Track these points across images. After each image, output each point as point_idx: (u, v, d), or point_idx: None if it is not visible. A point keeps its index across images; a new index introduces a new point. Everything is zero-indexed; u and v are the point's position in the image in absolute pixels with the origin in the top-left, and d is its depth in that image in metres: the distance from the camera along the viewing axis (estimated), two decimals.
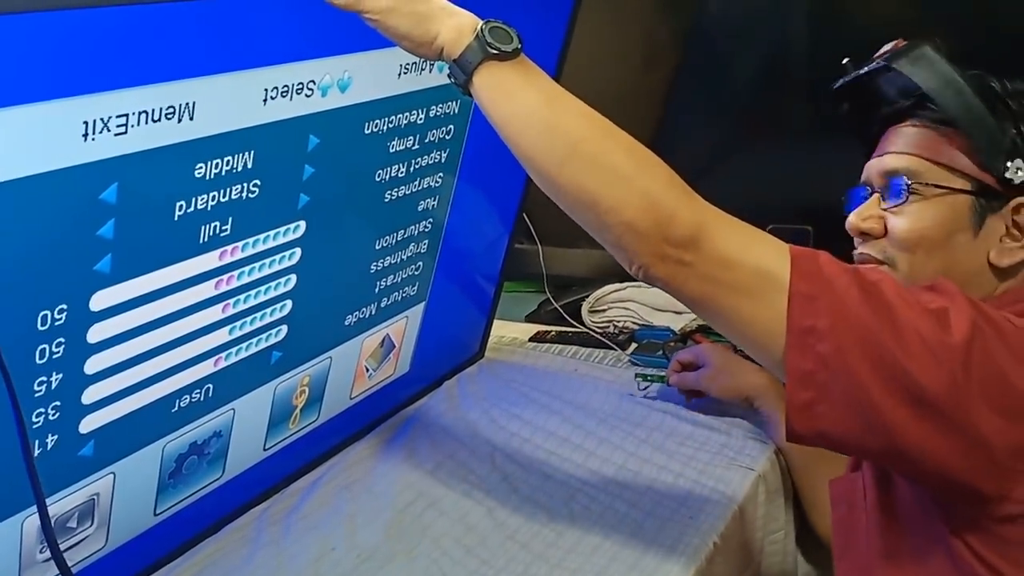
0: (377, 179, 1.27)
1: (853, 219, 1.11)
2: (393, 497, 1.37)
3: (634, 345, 1.79)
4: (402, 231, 1.37)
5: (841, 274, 0.93)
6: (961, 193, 1.04)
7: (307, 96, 1.08)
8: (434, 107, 1.30)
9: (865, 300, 0.91)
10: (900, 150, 1.09)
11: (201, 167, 1.00)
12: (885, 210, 1.09)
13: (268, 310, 1.19)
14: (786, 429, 0.96)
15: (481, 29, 0.96)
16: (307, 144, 1.12)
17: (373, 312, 1.40)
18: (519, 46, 0.97)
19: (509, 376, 1.70)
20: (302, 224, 1.18)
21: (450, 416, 1.59)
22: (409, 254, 1.41)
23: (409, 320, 1.50)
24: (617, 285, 1.87)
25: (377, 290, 1.39)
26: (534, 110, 0.96)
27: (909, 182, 1.06)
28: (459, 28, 0.96)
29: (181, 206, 1.00)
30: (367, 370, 1.46)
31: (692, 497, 1.38)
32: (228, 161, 1.03)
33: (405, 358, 1.54)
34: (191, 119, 0.95)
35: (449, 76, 0.99)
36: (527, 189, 1.66)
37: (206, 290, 1.09)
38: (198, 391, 1.15)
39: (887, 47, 1.10)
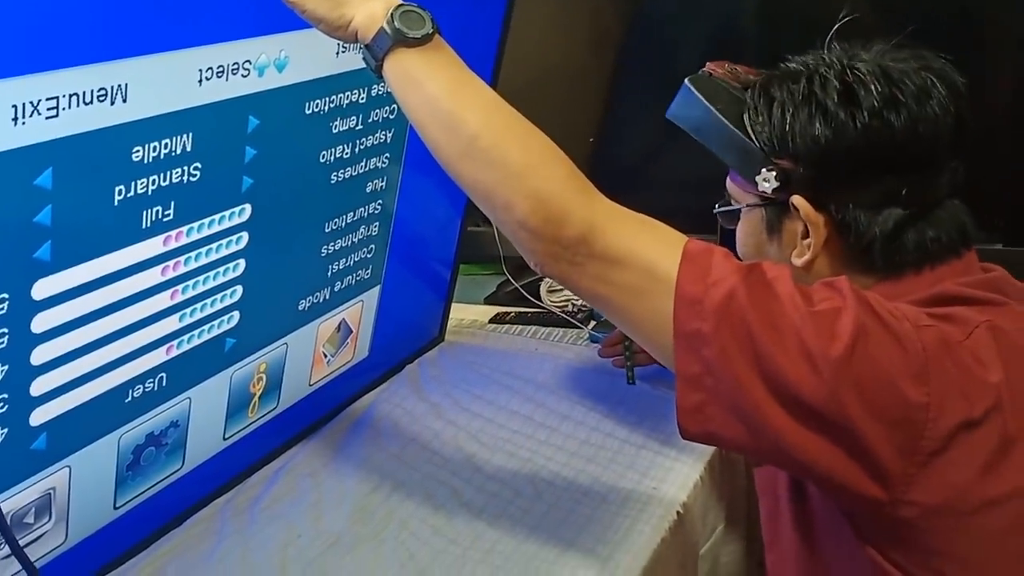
0: (321, 160, 1.27)
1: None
2: (358, 482, 1.37)
3: (593, 322, 1.79)
4: (351, 213, 1.37)
5: (731, 274, 0.92)
6: (752, 207, 1.07)
7: (244, 76, 1.08)
8: (376, 86, 1.29)
9: (752, 303, 0.90)
10: (727, 175, 1.12)
11: (138, 150, 0.99)
12: None
13: (218, 296, 1.19)
14: (678, 429, 0.96)
15: (392, 14, 0.95)
16: (247, 125, 1.12)
17: (327, 296, 1.39)
18: (431, 31, 0.96)
19: (470, 358, 1.71)
20: (247, 207, 1.17)
21: (413, 400, 1.59)
22: (360, 237, 1.41)
23: (365, 304, 1.49)
24: None
25: (329, 274, 1.38)
26: (436, 100, 0.96)
27: (728, 205, 1.11)
28: (372, 12, 0.96)
29: (120, 191, 0.99)
30: (325, 356, 1.45)
31: (655, 467, 1.38)
32: (166, 144, 1.02)
33: (363, 343, 1.54)
34: (124, 101, 0.95)
35: (363, 60, 0.99)
36: None
37: (153, 277, 1.08)
38: (151, 380, 1.14)
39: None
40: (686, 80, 1.09)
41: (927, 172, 1.00)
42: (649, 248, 0.95)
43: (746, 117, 1.05)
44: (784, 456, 0.93)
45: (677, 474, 1.37)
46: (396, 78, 0.97)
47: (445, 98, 0.96)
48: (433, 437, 1.48)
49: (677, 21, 1.96)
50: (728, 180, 1.11)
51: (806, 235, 1.03)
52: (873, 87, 0.99)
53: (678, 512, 1.30)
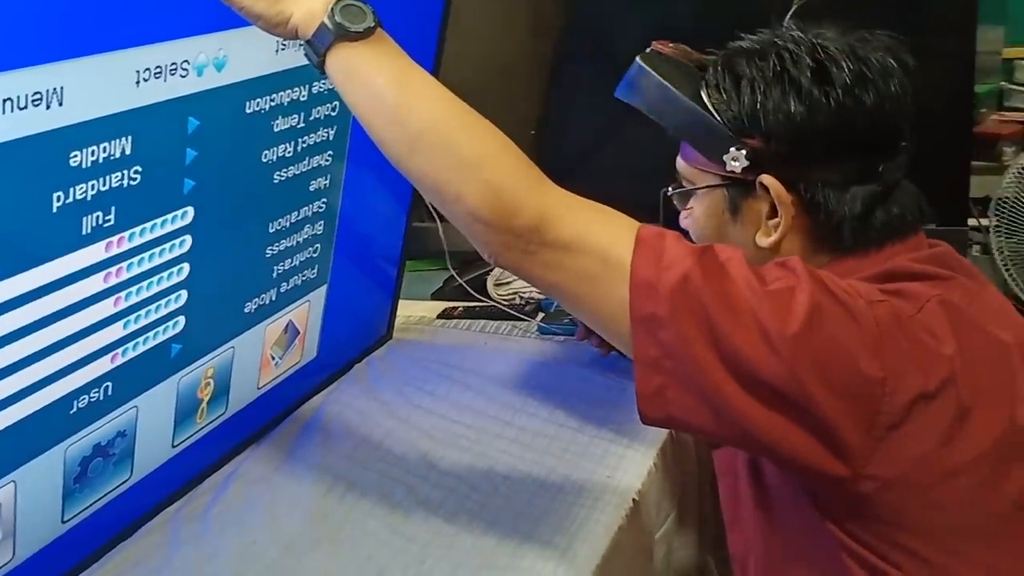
0: (264, 160, 1.25)
1: (680, 222, 1.12)
2: (312, 484, 1.36)
3: (541, 314, 1.80)
4: (295, 213, 1.35)
5: (685, 257, 0.92)
6: (715, 188, 1.05)
7: (182, 77, 1.05)
8: (317, 84, 1.28)
9: (707, 285, 0.90)
10: (680, 154, 1.10)
11: (76, 155, 0.97)
12: None
13: (163, 301, 1.16)
14: (639, 415, 0.95)
15: (332, 8, 0.94)
16: (187, 127, 1.10)
17: (273, 298, 1.38)
18: (372, 25, 0.95)
19: (420, 355, 1.70)
20: (190, 210, 1.15)
21: (363, 399, 1.57)
22: (305, 236, 1.39)
23: (312, 304, 1.48)
24: None
25: (275, 275, 1.36)
26: (383, 94, 0.95)
27: (682, 187, 1.09)
28: (311, 8, 0.95)
29: (59, 197, 0.97)
30: (273, 358, 1.44)
31: (609, 456, 1.39)
32: (105, 148, 0.99)
33: (311, 344, 1.52)
34: (60, 105, 0.92)
35: (305, 57, 0.97)
36: None
37: (95, 284, 1.05)
38: (96, 390, 1.11)
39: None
40: (637, 58, 1.06)
41: (890, 151, 1.01)
42: (602, 234, 0.95)
43: (705, 95, 1.03)
44: (746, 436, 0.94)
45: (631, 462, 1.38)
46: (339, 73, 0.96)
47: (391, 91, 0.95)
48: (386, 436, 1.47)
49: (616, 9, 1.96)
50: (681, 161, 1.09)
51: (772, 215, 1.02)
52: (844, 65, 0.99)
53: (633, 500, 1.30)
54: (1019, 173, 2.37)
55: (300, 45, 0.97)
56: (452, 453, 1.41)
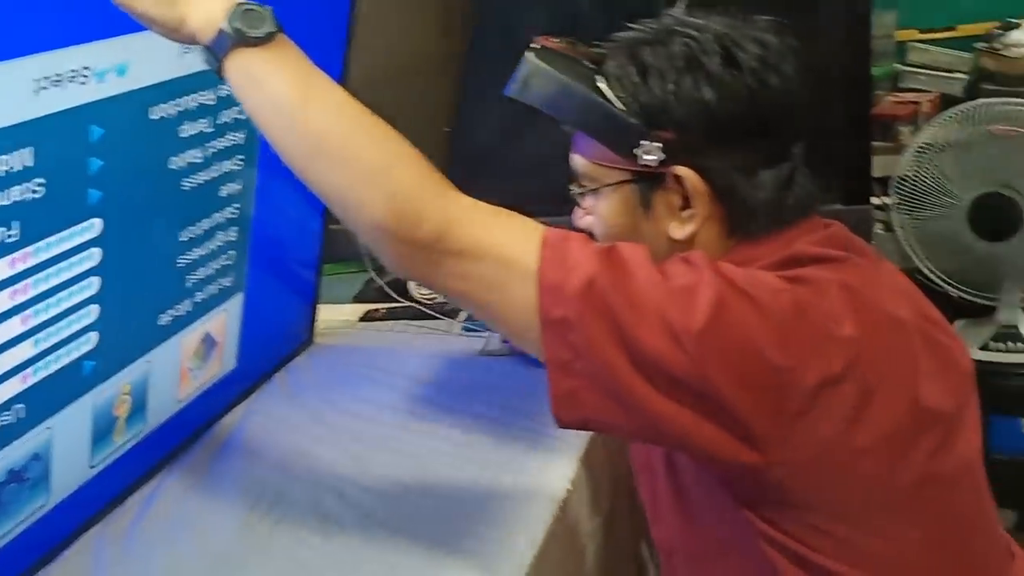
0: (172, 167, 1.22)
1: (574, 219, 1.09)
2: (239, 496, 1.33)
3: (463, 313, 1.79)
4: (207, 220, 1.32)
5: (590, 258, 0.91)
6: (622, 184, 1.02)
7: (83, 84, 1.02)
8: (225, 86, 1.24)
9: (612, 286, 0.90)
10: (573, 152, 1.06)
11: None
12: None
13: (74, 316, 1.13)
14: (553, 416, 0.94)
15: (231, 13, 0.92)
16: (89, 135, 1.06)
17: (188, 308, 1.34)
18: (273, 30, 0.93)
19: (342, 359, 1.68)
20: (97, 222, 1.11)
21: (286, 407, 1.55)
22: (218, 244, 1.36)
23: (229, 313, 1.45)
24: None
25: (189, 284, 1.33)
26: (282, 102, 0.93)
27: (582, 187, 1.05)
28: (210, 12, 0.92)
29: None
30: (191, 370, 1.40)
31: (539, 449, 1.39)
32: (5, 161, 0.96)
33: (230, 354, 1.49)
34: None
35: (205, 62, 0.95)
36: None
37: (0, 302, 1.02)
38: (7, 413, 1.07)
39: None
40: (528, 54, 1.02)
41: (791, 133, 1.02)
42: (505, 240, 0.93)
43: (606, 87, 1.00)
44: (659, 433, 0.94)
45: (562, 454, 1.38)
46: (238, 79, 0.94)
47: (290, 97, 0.93)
48: (312, 443, 1.45)
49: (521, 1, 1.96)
50: (580, 159, 1.05)
51: (685, 206, 1.00)
52: (749, 49, 0.99)
53: (567, 490, 1.31)
54: (916, 152, 2.43)
55: (199, 50, 0.95)
56: (382, 456, 1.40)
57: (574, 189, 1.07)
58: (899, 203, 2.47)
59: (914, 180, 2.45)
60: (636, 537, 1.51)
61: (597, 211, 1.04)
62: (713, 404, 0.89)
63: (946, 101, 2.67)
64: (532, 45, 1.02)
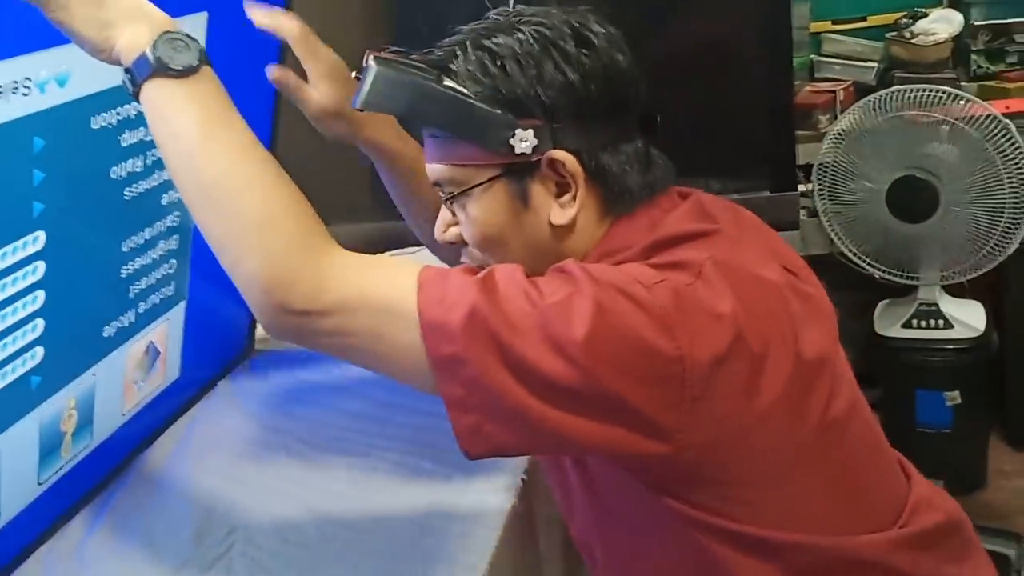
0: (113, 176, 1.20)
1: (436, 232, 1.07)
2: (191, 506, 1.32)
3: None
4: (149, 229, 1.31)
5: (467, 289, 0.90)
6: (493, 181, 1.00)
7: (24, 95, 1.00)
8: None
9: (493, 312, 0.89)
10: (430, 160, 1.04)
11: None
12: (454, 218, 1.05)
13: (19, 332, 1.11)
14: (463, 452, 0.94)
15: (156, 40, 0.92)
16: (32, 147, 1.04)
17: (132, 319, 1.33)
18: (195, 63, 0.92)
19: (288, 363, 1.67)
20: (41, 235, 1.10)
21: (232, 414, 1.54)
22: (160, 253, 1.35)
23: (171, 322, 1.43)
24: (409, 250, 1.84)
25: (132, 295, 1.31)
26: (182, 140, 0.92)
27: (447, 192, 1.03)
28: (136, 36, 0.92)
29: None
30: (136, 382, 1.38)
31: None
32: None
33: (173, 363, 1.47)
34: None
35: (123, 83, 0.95)
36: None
37: None
38: None
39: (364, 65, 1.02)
40: (375, 65, 0.98)
41: (638, 107, 1.03)
42: (381, 286, 0.92)
43: (459, 85, 0.98)
44: (568, 446, 0.96)
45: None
46: (149, 108, 0.94)
47: (191, 137, 0.92)
48: (262, 449, 1.44)
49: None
50: (441, 167, 1.02)
51: (560, 193, 1.00)
52: (595, 28, 1.01)
53: (522, 479, 1.32)
54: (834, 139, 2.50)
55: (121, 71, 0.95)
56: (333, 457, 1.40)
57: (450, 196, 1.03)
58: (820, 189, 2.54)
59: (833, 167, 2.52)
60: None
61: (469, 216, 1.02)
62: (613, 406, 0.90)
63: (860, 89, 2.75)
64: (372, 57, 1.00)
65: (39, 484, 1.23)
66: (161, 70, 0.91)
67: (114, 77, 1.12)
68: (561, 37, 0.99)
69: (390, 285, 0.93)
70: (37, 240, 1.09)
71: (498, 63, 0.98)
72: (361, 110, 1.01)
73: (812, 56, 2.89)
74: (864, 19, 2.94)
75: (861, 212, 2.52)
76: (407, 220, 1.32)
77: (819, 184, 2.54)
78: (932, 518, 1.06)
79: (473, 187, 1.01)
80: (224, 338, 1.66)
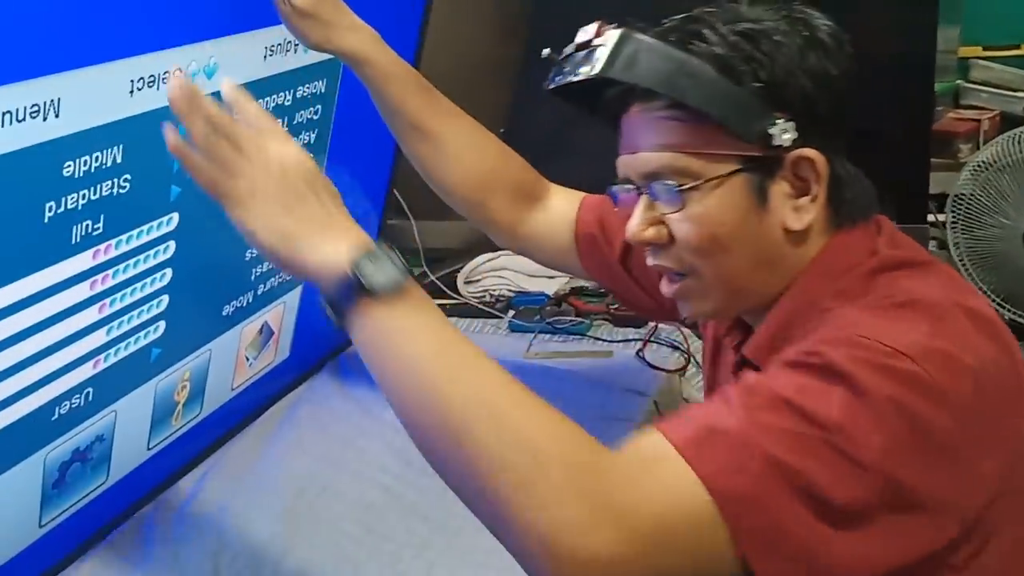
0: None
1: (632, 230, 0.92)
2: (285, 484, 1.36)
3: (511, 312, 1.80)
4: None
5: (751, 455, 0.74)
6: (733, 175, 0.87)
7: None
8: (301, 88, 1.27)
9: (784, 472, 0.74)
10: (652, 147, 0.89)
11: (70, 165, 0.96)
12: (664, 214, 0.90)
13: (145, 307, 1.15)
14: None
15: (359, 260, 0.75)
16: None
17: (250, 300, 1.37)
18: (400, 279, 0.76)
19: None
20: (175, 216, 1.14)
21: (335, 398, 1.57)
22: None
23: (287, 305, 1.47)
24: (490, 255, 1.88)
25: (253, 278, 1.36)
26: (417, 369, 0.75)
27: (678, 185, 0.88)
28: (331, 256, 0.77)
29: (51, 207, 0.96)
30: (247, 359, 1.43)
31: None
32: (97, 157, 0.98)
33: (284, 344, 1.51)
34: (56, 116, 0.91)
35: (322, 310, 0.79)
36: (396, 165, 1.65)
37: (81, 292, 1.04)
38: (78, 396, 1.10)
39: (588, 36, 0.93)
40: (626, 32, 0.89)
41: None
42: (673, 499, 0.74)
43: (713, 63, 0.86)
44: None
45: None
46: (365, 341, 0.77)
47: (431, 365, 0.75)
48: (359, 435, 1.47)
49: (576, 12, 1.97)
50: (668, 155, 0.88)
51: (798, 195, 0.89)
52: (837, 33, 0.90)
53: None
54: (974, 170, 2.40)
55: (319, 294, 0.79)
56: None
57: (661, 189, 0.89)
58: (954, 221, 2.45)
59: (970, 199, 2.43)
60: None
61: (693, 213, 0.88)
62: (908, 503, 0.77)
63: (1007, 120, 2.64)
64: (614, 25, 0.90)
65: (148, 449, 1.28)
66: (370, 294, 0.75)
67: (258, 69, 1.16)
68: (819, 29, 0.89)
69: (681, 491, 0.74)
70: (171, 221, 1.14)
71: (758, 46, 0.87)
72: (603, 79, 0.89)
73: (958, 82, 2.79)
74: (1018, 47, 2.83)
75: (994, 249, 2.42)
76: (399, 141, 1.22)
77: (953, 215, 2.45)
78: None
79: (709, 180, 0.87)
80: None
